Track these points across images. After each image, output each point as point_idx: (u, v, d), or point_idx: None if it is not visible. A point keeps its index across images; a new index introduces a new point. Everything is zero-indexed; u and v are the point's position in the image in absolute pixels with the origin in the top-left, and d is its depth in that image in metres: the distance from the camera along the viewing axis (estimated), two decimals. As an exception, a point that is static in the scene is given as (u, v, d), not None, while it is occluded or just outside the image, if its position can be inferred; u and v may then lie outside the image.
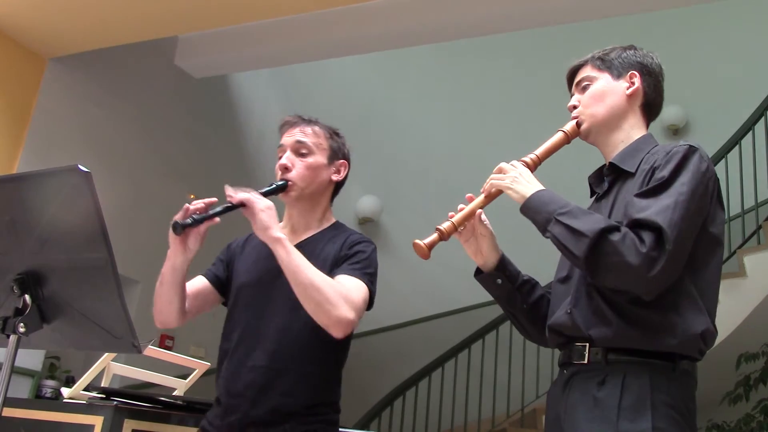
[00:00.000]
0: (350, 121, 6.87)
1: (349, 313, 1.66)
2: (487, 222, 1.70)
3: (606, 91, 1.65)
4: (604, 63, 1.68)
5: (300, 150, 1.88)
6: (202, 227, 1.71)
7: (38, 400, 3.94)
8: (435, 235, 1.60)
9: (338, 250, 1.84)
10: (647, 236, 1.39)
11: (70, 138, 4.67)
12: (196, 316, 1.92)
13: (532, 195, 1.55)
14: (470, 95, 7.67)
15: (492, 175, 1.63)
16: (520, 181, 1.58)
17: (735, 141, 5.36)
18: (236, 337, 1.82)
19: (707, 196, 1.48)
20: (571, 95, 1.74)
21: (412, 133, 7.47)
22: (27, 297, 1.37)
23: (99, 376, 2.16)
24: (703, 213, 1.47)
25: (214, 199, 1.72)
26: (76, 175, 1.26)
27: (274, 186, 1.83)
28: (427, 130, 7.53)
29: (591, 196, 1.73)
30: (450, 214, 1.65)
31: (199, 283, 1.93)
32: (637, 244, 1.38)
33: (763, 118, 5.36)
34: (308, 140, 1.89)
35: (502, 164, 1.63)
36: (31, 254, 1.38)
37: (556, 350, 1.62)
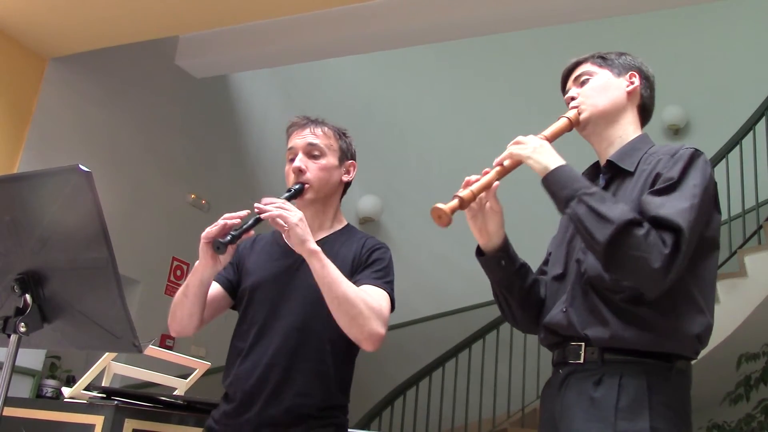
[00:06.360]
0: (350, 121, 6.82)
1: (381, 328, 1.69)
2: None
3: (607, 85, 1.66)
4: (605, 61, 1.70)
5: (312, 152, 1.86)
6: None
7: (39, 399, 3.94)
8: (455, 201, 1.49)
9: (357, 253, 1.83)
10: (668, 237, 1.38)
11: (70, 138, 4.67)
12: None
13: (558, 168, 1.50)
14: (470, 95, 7.67)
15: (510, 146, 1.57)
16: (541, 151, 1.54)
17: (735, 141, 5.36)
18: (252, 336, 1.80)
19: (711, 200, 1.49)
20: (567, 91, 1.72)
21: (412, 133, 7.46)
22: (28, 297, 1.37)
23: (100, 376, 2.16)
24: (707, 216, 1.48)
25: (246, 212, 1.71)
26: (77, 175, 1.26)
27: (293, 191, 1.82)
28: (427, 130, 7.52)
29: None
30: (466, 181, 1.54)
31: (212, 289, 1.90)
32: (660, 245, 1.37)
33: (763, 118, 5.36)
34: (320, 142, 1.87)
35: (520, 137, 1.58)
36: (31, 254, 1.38)
37: (556, 350, 1.61)
